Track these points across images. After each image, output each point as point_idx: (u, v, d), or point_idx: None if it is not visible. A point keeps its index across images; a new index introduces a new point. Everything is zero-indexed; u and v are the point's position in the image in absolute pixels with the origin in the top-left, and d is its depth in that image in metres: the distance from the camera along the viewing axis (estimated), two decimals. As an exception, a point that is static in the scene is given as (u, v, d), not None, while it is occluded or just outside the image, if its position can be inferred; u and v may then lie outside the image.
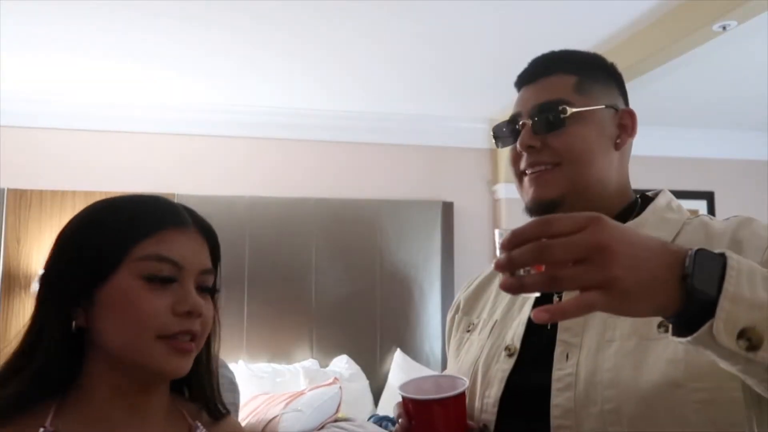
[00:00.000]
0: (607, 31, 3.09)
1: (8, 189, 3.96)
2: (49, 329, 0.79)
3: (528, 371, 0.92)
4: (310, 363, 4.13)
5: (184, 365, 0.80)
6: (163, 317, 0.78)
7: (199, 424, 0.88)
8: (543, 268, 0.63)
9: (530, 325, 0.94)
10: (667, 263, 0.63)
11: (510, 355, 0.94)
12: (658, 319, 0.82)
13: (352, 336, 4.31)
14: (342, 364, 4.12)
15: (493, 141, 1.09)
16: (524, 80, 1.04)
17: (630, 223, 0.94)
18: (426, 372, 4.21)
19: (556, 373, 0.87)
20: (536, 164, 0.98)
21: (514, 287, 0.64)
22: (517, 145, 1.00)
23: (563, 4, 2.81)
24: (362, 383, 4.08)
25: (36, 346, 0.79)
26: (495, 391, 0.93)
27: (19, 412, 0.76)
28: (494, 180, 4.70)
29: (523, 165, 1.01)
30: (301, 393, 3.51)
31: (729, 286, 0.61)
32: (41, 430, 0.76)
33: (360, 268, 4.37)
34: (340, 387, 3.54)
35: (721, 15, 2.62)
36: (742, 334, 0.61)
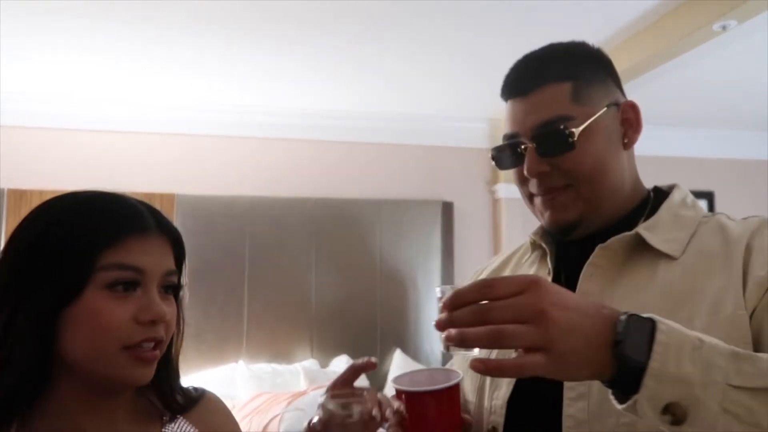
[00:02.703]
0: (607, 31, 3.09)
1: (8, 189, 3.96)
2: (22, 352, 0.76)
3: (538, 376, 0.91)
4: (310, 363, 4.13)
5: (147, 374, 0.81)
6: (127, 328, 0.77)
7: (169, 415, 0.89)
8: None
9: None
10: (600, 328, 0.64)
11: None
12: None
13: (352, 336, 4.31)
14: (342, 364, 4.12)
15: (493, 163, 1.02)
16: (513, 92, 0.97)
17: (644, 224, 0.91)
18: (426, 372, 4.21)
19: (569, 383, 0.85)
20: (548, 189, 0.94)
21: (456, 340, 0.65)
22: (525, 172, 0.94)
23: (563, 4, 2.81)
24: (362, 383, 4.04)
25: (5, 366, 0.76)
26: (503, 392, 0.92)
27: None
28: (494, 180, 4.70)
29: (533, 189, 0.96)
30: (303, 392, 3.52)
31: (654, 362, 0.61)
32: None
33: (360, 268, 4.37)
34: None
35: (721, 15, 2.62)
36: (666, 410, 0.61)
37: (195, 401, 0.92)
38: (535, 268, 1.03)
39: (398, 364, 4.24)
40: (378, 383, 4.20)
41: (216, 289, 4.10)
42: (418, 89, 4.02)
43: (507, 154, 0.98)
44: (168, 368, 0.88)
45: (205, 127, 4.29)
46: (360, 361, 0.97)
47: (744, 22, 2.65)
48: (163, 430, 0.88)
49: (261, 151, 4.40)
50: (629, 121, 0.96)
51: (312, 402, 3.39)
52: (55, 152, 4.10)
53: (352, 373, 0.94)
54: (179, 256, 0.87)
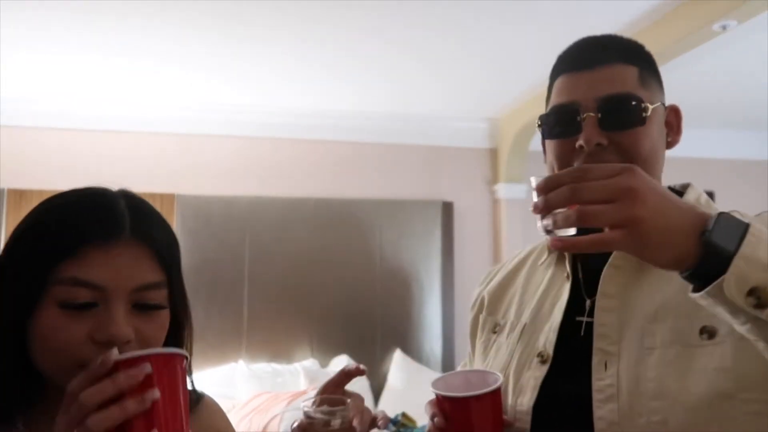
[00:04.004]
0: (606, 31, 3.08)
1: (8, 189, 3.96)
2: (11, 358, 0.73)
3: (563, 379, 0.90)
4: (310, 363, 4.13)
5: None
6: (79, 347, 0.70)
7: None
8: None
9: (562, 331, 0.92)
10: (691, 219, 0.66)
11: (543, 362, 0.91)
12: (700, 324, 0.81)
13: (352, 336, 4.31)
14: (342, 363, 4.11)
15: (539, 130, 0.98)
16: (575, 66, 0.94)
17: None
18: (426, 371, 4.21)
19: (597, 384, 0.85)
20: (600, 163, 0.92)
21: (549, 225, 0.68)
22: (580, 141, 0.89)
23: (563, 4, 2.81)
24: (362, 383, 4.08)
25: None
26: (528, 398, 0.90)
27: None
28: (494, 180, 4.70)
29: (579, 162, 0.91)
30: (303, 392, 3.52)
31: (746, 247, 0.63)
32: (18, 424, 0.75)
33: (360, 268, 4.37)
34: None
35: (721, 15, 2.61)
36: (752, 292, 0.63)
37: (192, 405, 0.87)
38: (552, 270, 1.02)
39: (398, 364, 4.24)
40: (378, 383, 4.20)
41: (216, 289, 4.10)
42: (419, 89, 4.02)
43: (559, 122, 0.93)
44: None
45: (205, 127, 4.29)
46: (351, 365, 0.94)
47: (744, 22, 2.65)
48: None
49: (261, 151, 4.40)
50: (671, 124, 0.98)
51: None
52: (55, 152, 4.10)
53: (344, 376, 0.93)
54: (167, 261, 0.77)
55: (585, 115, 0.90)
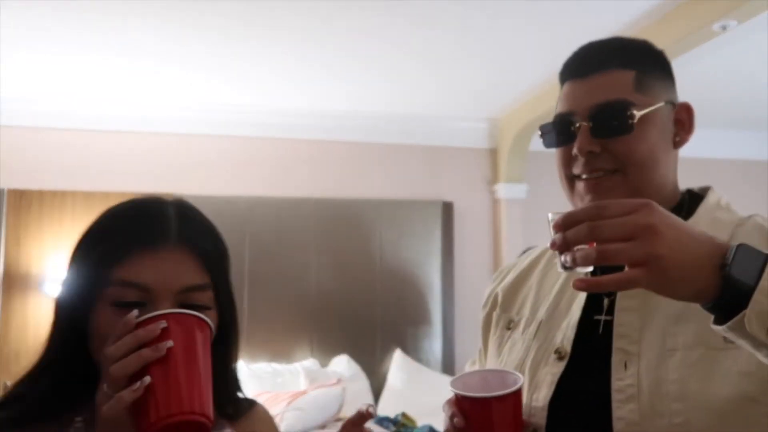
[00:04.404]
0: (607, 31, 3.09)
1: (8, 189, 3.96)
2: (66, 347, 0.81)
3: (581, 377, 0.89)
4: (310, 363, 4.13)
5: None
6: None
7: (220, 422, 0.88)
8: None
9: (581, 329, 0.92)
10: (709, 251, 0.66)
11: (560, 359, 0.91)
12: None
13: (352, 336, 4.31)
14: (342, 364, 4.12)
15: (540, 139, 1.01)
16: (574, 73, 0.96)
17: None
18: (426, 371, 4.21)
19: (616, 383, 0.84)
20: (595, 170, 0.93)
21: (568, 262, 0.69)
22: (575, 150, 0.92)
23: (563, 5, 2.81)
24: (362, 383, 4.08)
25: (52, 360, 0.81)
26: (544, 394, 0.90)
27: (46, 416, 0.80)
28: (494, 180, 4.70)
29: (577, 170, 0.94)
30: (304, 392, 3.52)
31: (765, 281, 0.63)
32: (77, 419, 0.80)
33: (360, 268, 4.37)
34: (344, 388, 3.54)
35: (721, 15, 2.62)
36: None
37: (244, 411, 0.92)
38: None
39: (398, 364, 4.24)
40: (378, 383, 4.20)
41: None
42: (419, 89, 4.02)
43: (557, 132, 0.97)
44: (222, 383, 0.86)
45: (205, 127, 4.29)
46: (363, 408, 0.94)
47: (744, 22, 2.65)
48: None
49: (261, 151, 4.40)
50: (682, 122, 0.97)
51: (312, 401, 3.39)
52: (55, 152, 4.10)
53: (360, 417, 0.92)
54: (212, 265, 0.82)
55: (578, 124, 0.92)
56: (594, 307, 0.93)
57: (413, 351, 4.36)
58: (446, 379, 4.15)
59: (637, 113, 0.90)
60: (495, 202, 4.69)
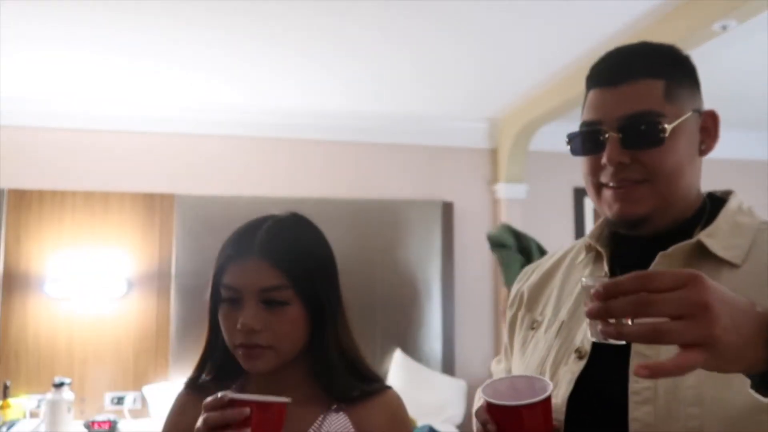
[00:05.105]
0: (606, 31, 3.09)
1: (8, 189, 3.97)
2: (218, 336, 1.10)
3: (600, 376, 0.91)
4: (310, 363, 4.12)
5: (254, 366, 1.03)
6: (234, 332, 1.03)
7: (337, 405, 1.07)
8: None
9: None
10: (757, 324, 0.65)
11: (580, 358, 0.93)
12: None
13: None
14: (342, 364, 4.12)
15: (567, 147, 1.01)
16: (603, 81, 0.96)
17: (705, 232, 0.92)
18: (426, 371, 4.22)
19: (633, 386, 0.86)
20: (623, 180, 0.93)
21: (612, 335, 0.66)
22: (604, 159, 0.93)
23: (563, 4, 2.81)
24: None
25: (214, 345, 1.12)
26: (563, 391, 0.92)
27: (217, 387, 1.05)
28: (494, 180, 4.70)
29: (605, 178, 0.95)
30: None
31: None
32: (233, 386, 1.09)
33: (360, 269, 4.36)
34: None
35: (721, 15, 2.61)
36: None
37: (366, 396, 1.08)
38: (589, 269, 1.03)
39: (398, 364, 4.24)
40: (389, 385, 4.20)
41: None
42: (418, 89, 4.02)
43: (585, 141, 0.96)
44: (323, 365, 1.08)
45: (205, 127, 4.29)
46: None
47: (744, 22, 2.65)
48: (321, 416, 1.05)
49: (261, 151, 4.40)
50: (707, 129, 0.98)
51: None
52: (55, 152, 4.10)
53: None
54: (286, 269, 1.04)
55: (608, 135, 0.92)
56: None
57: (413, 351, 4.36)
58: (446, 379, 4.16)
59: (668, 126, 0.90)
60: (495, 202, 4.69)
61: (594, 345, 0.93)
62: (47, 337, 3.92)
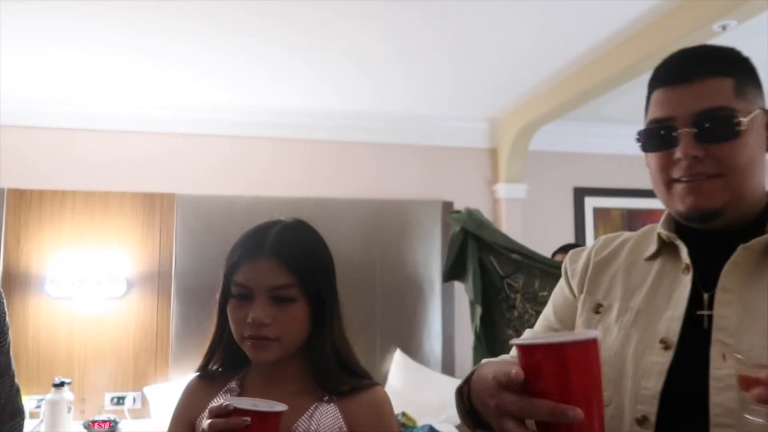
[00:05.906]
0: (606, 30, 3.09)
1: (8, 189, 3.96)
2: (225, 329, 1.22)
3: (685, 367, 0.93)
4: (310, 363, 4.12)
5: (260, 357, 1.14)
6: (242, 325, 1.14)
7: (328, 397, 1.15)
8: None
9: (686, 322, 0.95)
10: None
11: (666, 348, 0.94)
12: None
13: (352, 336, 4.30)
14: (342, 364, 4.12)
15: (638, 145, 1.02)
16: (672, 80, 0.98)
17: None
18: (426, 371, 4.21)
19: (715, 372, 0.88)
20: (696, 174, 0.95)
21: None
22: (678, 154, 0.95)
23: (562, 4, 2.81)
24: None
25: (220, 338, 1.24)
26: (654, 383, 0.93)
27: (223, 375, 1.24)
28: (494, 180, 4.70)
29: (678, 173, 0.97)
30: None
31: None
32: (233, 381, 1.22)
33: (360, 269, 4.36)
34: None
35: (721, 15, 2.61)
36: None
37: (355, 390, 1.16)
38: (661, 260, 1.04)
39: (398, 364, 4.24)
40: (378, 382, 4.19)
41: (216, 289, 4.09)
42: (418, 89, 4.02)
43: (657, 137, 0.99)
44: (319, 359, 1.17)
45: (205, 127, 4.29)
46: None
47: (744, 22, 2.65)
48: (314, 406, 1.14)
49: (261, 151, 4.40)
50: None
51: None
52: (55, 152, 4.10)
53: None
54: (295, 268, 1.14)
55: (681, 130, 0.95)
56: (693, 301, 0.97)
57: (413, 351, 4.36)
58: (446, 379, 4.16)
59: (744, 119, 0.93)
60: (495, 202, 4.69)
61: (679, 336, 0.94)
62: (47, 337, 3.92)
